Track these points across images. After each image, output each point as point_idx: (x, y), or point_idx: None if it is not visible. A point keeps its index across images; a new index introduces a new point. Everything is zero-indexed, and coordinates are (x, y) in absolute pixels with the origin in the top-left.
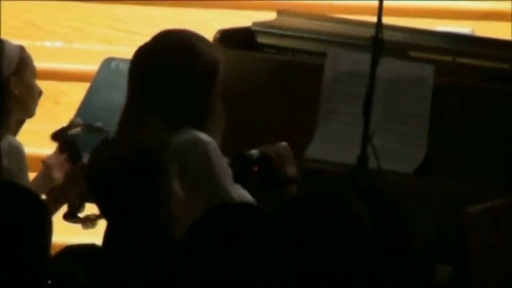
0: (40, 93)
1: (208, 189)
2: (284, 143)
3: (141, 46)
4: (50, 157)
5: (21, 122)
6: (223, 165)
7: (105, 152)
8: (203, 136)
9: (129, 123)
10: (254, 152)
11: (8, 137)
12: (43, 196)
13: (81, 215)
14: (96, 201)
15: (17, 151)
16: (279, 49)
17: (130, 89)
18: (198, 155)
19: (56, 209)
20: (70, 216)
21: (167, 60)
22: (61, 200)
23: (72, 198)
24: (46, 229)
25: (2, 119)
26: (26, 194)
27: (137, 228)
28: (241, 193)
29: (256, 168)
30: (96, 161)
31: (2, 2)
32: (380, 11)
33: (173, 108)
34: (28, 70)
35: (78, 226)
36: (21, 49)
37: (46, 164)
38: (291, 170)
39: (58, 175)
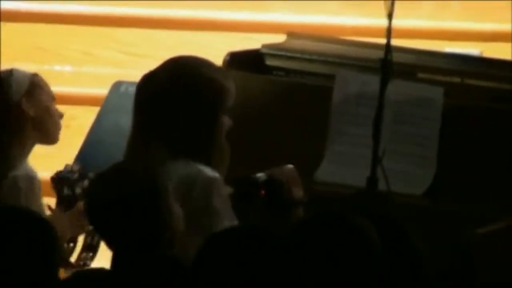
0: (61, 116)
1: (207, 224)
2: (290, 166)
3: (147, 73)
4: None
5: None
6: (224, 203)
7: (103, 183)
8: (207, 171)
9: (134, 149)
10: (261, 175)
11: (25, 166)
12: None
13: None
14: (97, 231)
15: (31, 181)
16: (288, 71)
17: (136, 115)
18: (201, 190)
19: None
20: (62, 264)
21: (173, 87)
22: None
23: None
24: (55, 254)
25: (20, 144)
26: (35, 219)
27: (142, 254)
28: None
29: (263, 192)
30: (95, 192)
31: (10, 26)
32: (388, 32)
33: (178, 136)
34: (43, 93)
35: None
36: (33, 75)
37: (80, 209)
38: (298, 193)
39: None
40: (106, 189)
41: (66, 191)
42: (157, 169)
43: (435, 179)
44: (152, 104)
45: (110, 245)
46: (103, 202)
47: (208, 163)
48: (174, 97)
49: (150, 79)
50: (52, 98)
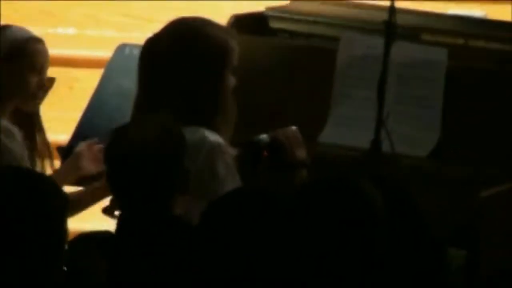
0: (50, 82)
1: (211, 190)
2: (293, 127)
3: (151, 36)
4: (82, 145)
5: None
6: (229, 169)
7: (125, 132)
8: (213, 137)
9: (141, 115)
10: (264, 137)
11: (2, 121)
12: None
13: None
14: (113, 184)
15: (9, 133)
16: (292, 33)
17: (141, 80)
18: (205, 156)
19: (94, 201)
20: (111, 211)
21: (177, 47)
22: (103, 194)
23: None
24: (62, 215)
25: None
26: (37, 178)
27: (153, 211)
28: None
29: (266, 153)
30: (117, 140)
31: None
32: None
33: (184, 98)
34: (24, 61)
35: (91, 212)
36: (26, 40)
37: (76, 153)
38: (301, 154)
39: (86, 164)
40: (127, 141)
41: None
42: (175, 126)
43: (439, 141)
44: (157, 66)
45: (121, 201)
46: (123, 153)
47: (214, 124)
48: (178, 57)
49: (154, 42)
50: (37, 68)
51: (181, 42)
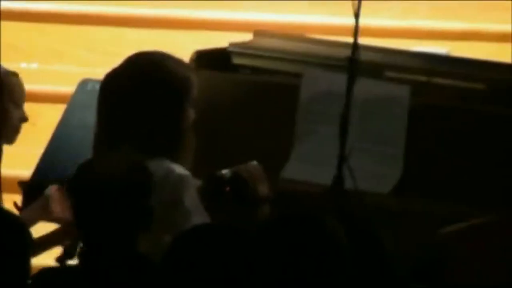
0: (23, 119)
1: (178, 222)
2: (255, 163)
3: (111, 70)
4: (53, 188)
5: None
6: (195, 200)
7: (91, 167)
8: (179, 169)
9: (102, 150)
10: (226, 172)
11: None
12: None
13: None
14: (78, 221)
15: None
16: (255, 70)
17: (101, 115)
18: (172, 188)
19: (58, 244)
20: (68, 257)
21: (137, 81)
22: (65, 238)
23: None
24: (26, 250)
25: None
26: (5, 217)
27: (116, 248)
28: None
29: (228, 189)
30: (82, 175)
31: None
32: (356, 31)
33: (144, 132)
34: (4, 94)
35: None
36: (5, 74)
37: (46, 196)
38: (263, 189)
39: (56, 209)
40: (92, 176)
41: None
42: (139, 163)
43: (402, 177)
44: (118, 100)
45: (86, 238)
46: (88, 188)
47: (174, 157)
48: (139, 91)
49: (114, 76)
50: (17, 102)
51: (141, 76)
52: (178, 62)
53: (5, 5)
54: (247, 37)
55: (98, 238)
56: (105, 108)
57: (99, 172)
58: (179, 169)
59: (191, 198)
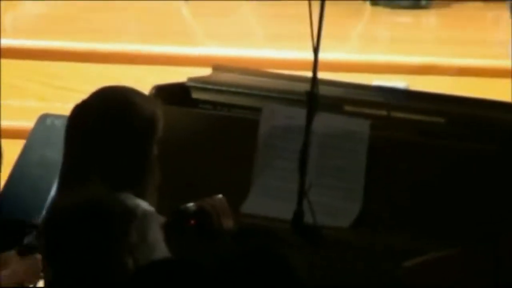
0: None
1: (142, 258)
2: (220, 196)
3: (79, 103)
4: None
5: None
6: (159, 237)
7: (61, 207)
8: (144, 205)
9: (68, 184)
10: (191, 205)
11: None
12: None
13: None
14: (47, 257)
15: None
16: (214, 104)
17: (68, 148)
18: (138, 224)
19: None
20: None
21: (105, 116)
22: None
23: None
24: None
25: None
26: None
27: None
28: None
29: (192, 222)
30: (53, 216)
31: None
32: (315, 65)
33: (111, 167)
34: None
35: None
36: None
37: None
38: (228, 223)
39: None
40: (67, 224)
41: (26, 239)
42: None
43: (361, 211)
44: (85, 134)
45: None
46: (61, 237)
47: (141, 193)
48: (108, 126)
49: (82, 109)
50: None
51: (110, 111)
52: (145, 98)
53: None
54: (205, 72)
55: (68, 276)
56: (71, 141)
57: (68, 210)
58: (144, 205)
59: (155, 234)
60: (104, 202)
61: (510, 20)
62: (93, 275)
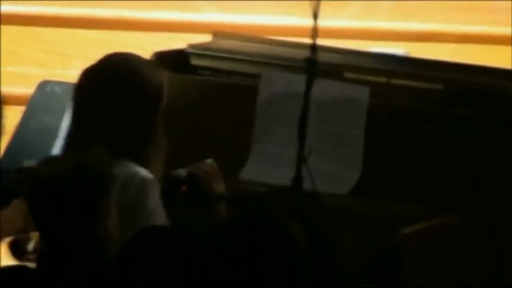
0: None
1: (142, 224)
2: (210, 160)
3: (87, 68)
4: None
5: None
6: (157, 204)
7: (47, 167)
8: (143, 172)
9: (73, 148)
10: (181, 171)
11: None
12: None
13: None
14: (34, 216)
15: None
16: (214, 71)
17: (75, 112)
18: (136, 191)
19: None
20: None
21: (113, 82)
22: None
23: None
24: None
25: None
26: None
27: (73, 245)
28: None
29: (184, 188)
30: (38, 174)
31: None
32: (314, 32)
33: (117, 133)
34: None
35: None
36: None
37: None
38: (219, 187)
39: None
40: (49, 175)
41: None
42: (99, 161)
43: (360, 178)
44: (93, 99)
45: (44, 238)
46: (44, 191)
47: (146, 158)
48: (114, 94)
49: (90, 75)
50: None
51: (119, 77)
52: (153, 66)
53: None
54: (205, 38)
55: (56, 238)
56: (78, 105)
57: (54, 172)
58: (143, 172)
59: (154, 201)
60: (92, 165)
61: None
62: (80, 241)
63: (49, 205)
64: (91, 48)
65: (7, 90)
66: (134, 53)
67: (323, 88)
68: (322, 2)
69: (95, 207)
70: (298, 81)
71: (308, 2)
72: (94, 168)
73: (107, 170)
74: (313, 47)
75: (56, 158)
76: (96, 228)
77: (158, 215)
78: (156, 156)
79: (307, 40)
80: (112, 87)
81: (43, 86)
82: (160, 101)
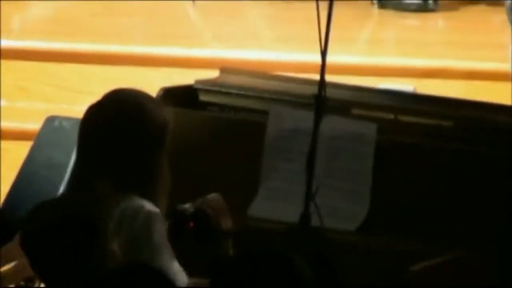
0: None
1: (148, 258)
2: (217, 195)
3: (93, 104)
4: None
5: None
6: (163, 237)
7: (40, 214)
8: (150, 206)
9: (78, 182)
10: (189, 207)
11: None
12: None
13: None
14: (31, 265)
15: None
16: (221, 106)
17: (80, 149)
18: (142, 224)
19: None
20: None
21: (117, 119)
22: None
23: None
24: None
25: None
26: None
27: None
28: (177, 268)
29: (191, 224)
30: (31, 222)
31: None
32: (323, 68)
33: (122, 170)
34: None
35: None
36: None
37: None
38: (227, 223)
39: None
40: (42, 220)
41: None
42: (97, 204)
43: (368, 214)
44: (99, 135)
45: (42, 279)
46: (38, 233)
47: (151, 194)
48: (119, 130)
49: (95, 111)
50: None
51: (124, 114)
52: (157, 103)
53: None
54: (213, 74)
55: (54, 280)
56: (84, 141)
57: (48, 215)
58: (149, 206)
59: (160, 234)
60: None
61: (509, 23)
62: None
63: (43, 253)
64: (99, 84)
65: (14, 125)
66: (139, 89)
67: (331, 124)
68: (330, 39)
69: (90, 251)
70: (306, 117)
71: (316, 38)
72: (87, 214)
73: (102, 212)
74: (321, 83)
75: (49, 203)
76: (94, 269)
77: (164, 249)
78: (161, 191)
79: (315, 76)
80: (115, 123)
81: (51, 121)
82: (165, 137)
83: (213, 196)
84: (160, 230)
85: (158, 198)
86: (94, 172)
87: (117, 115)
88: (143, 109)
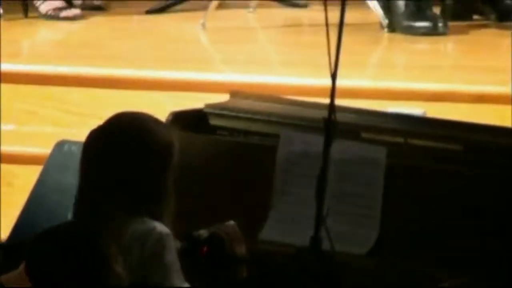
0: None
1: (159, 279)
2: (232, 223)
3: (95, 128)
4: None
5: None
6: (174, 259)
7: (42, 242)
8: (161, 227)
9: (84, 208)
10: (203, 232)
11: None
12: None
13: None
14: None
15: None
16: (231, 131)
17: (84, 174)
18: (154, 245)
19: None
20: None
21: (120, 142)
22: None
23: None
24: None
25: None
26: None
27: None
28: None
29: (205, 249)
30: (33, 250)
31: None
32: (332, 92)
33: (126, 192)
34: None
35: None
36: None
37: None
38: (240, 250)
39: None
40: (47, 247)
41: None
42: (103, 228)
43: (378, 238)
44: (103, 159)
45: None
46: (43, 259)
47: (157, 216)
48: (123, 153)
49: (97, 135)
50: None
51: (126, 136)
52: (161, 125)
53: None
54: (222, 98)
55: None
56: (87, 166)
57: (52, 242)
58: (161, 227)
59: (171, 256)
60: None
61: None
62: None
63: (47, 281)
64: (108, 108)
65: (23, 149)
66: (142, 112)
67: (341, 148)
68: (339, 62)
69: (94, 276)
70: (316, 141)
71: (324, 63)
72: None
73: (108, 236)
74: (331, 107)
75: (51, 231)
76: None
77: (175, 270)
78: (166, 211)
79: (325, 100)
80: (118, 146)
81: (61, 145)
82: (169, 159)
83: (228, 223)
84: (172, 251)
85: (164, 219)
86: (98, 196)
87: (119, 137)
88: (145, 130)
